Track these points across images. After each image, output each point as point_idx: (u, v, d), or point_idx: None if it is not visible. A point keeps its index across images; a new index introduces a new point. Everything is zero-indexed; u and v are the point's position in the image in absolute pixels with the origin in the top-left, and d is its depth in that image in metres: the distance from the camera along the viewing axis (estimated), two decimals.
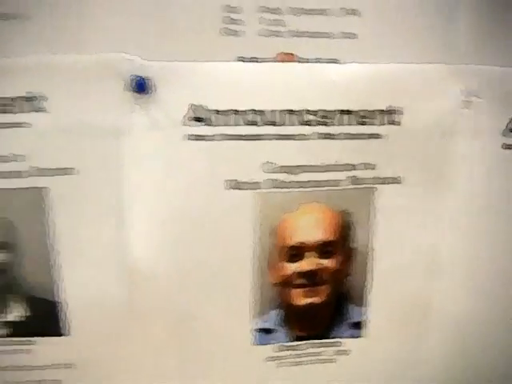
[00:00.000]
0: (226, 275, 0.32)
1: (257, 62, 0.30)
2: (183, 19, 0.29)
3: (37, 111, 0.30)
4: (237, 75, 0.30)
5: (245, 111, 0.30)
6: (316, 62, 0.30)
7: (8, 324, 0.33)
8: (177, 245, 0.32)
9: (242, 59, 0.30)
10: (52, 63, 0.29)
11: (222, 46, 0.30)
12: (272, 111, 0.30)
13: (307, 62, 0.30)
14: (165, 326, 0.33)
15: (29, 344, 0.34)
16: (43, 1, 0.29)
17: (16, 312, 0.33)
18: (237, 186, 0.31)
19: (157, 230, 0.31)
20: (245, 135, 0.30)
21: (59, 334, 0.33)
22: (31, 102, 0.30)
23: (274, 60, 0.30)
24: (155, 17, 0.29)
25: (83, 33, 0.29)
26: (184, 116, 0.30)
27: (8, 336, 0.34)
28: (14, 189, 0.31)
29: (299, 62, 0.30)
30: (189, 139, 0.30)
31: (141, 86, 0.30)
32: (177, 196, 0.31)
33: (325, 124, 0.30)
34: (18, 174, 0.31)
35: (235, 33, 0.30)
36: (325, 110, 0.30)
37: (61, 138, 0.30)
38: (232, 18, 0.29)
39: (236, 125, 0.30)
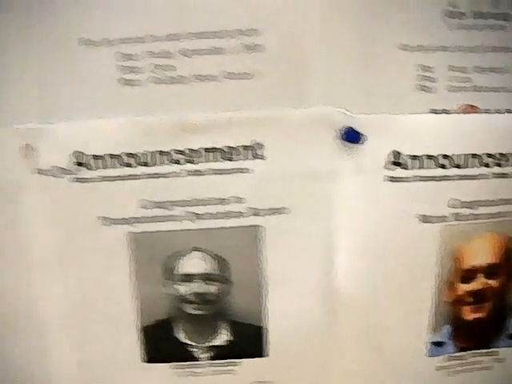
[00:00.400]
0: (411, 294, 0.37)
1: (446, 113, 0.35)
2: (384, 76, 0.34)
3: (256, 158, 0.34)
4: (430, 125, 0.35)
5: (436, 156, 0.35)
6: (495, 113, 0.35)
7: (215, 347, 0.37)
8: (373, 270, 0.36)
9: (434, 111, 0.35)
10: (272, 116, 0.34)
11: (416, 100, 0.35)
12: (458, 155, 0.35)
13: (487, 113, 0.35)
14: (356, 342, 0.37)
15: (232, 365, 0.38)
16: (271, 60, 0.33)
17: (223, 336, 0.37)
18: (426, 219, 0.36)
19: (357, 260, 0.36)
20: (435, 176, 0.35)
21: (259, 356, 0.37)
22: (252, 150, 0.34)
23: (460, 111, 0.35)
24: (362, 75, 0.34)
25: (303, 88, 0.34)
26: (385, 161, 0.35)
27: (214, 358, 0.37)
28: (232, 227, 0.35)
29: (481, 112, 0.35)
30: (388, 181, 0.35)
31: (351, 136, 0.34)
32: (375, 230, 0.36)
33: (500, 165, 0.35)
34: (237, 215, 0.35)
35: (428, 89, 0.34)
36: (501, 154, 0.35)
37: (276, 182, 0.35)
38: (425, 76, 0.34)
39: (428, 168, 0.35)
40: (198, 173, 0.34)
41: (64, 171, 0.34)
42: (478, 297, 0.38)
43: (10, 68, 0.33)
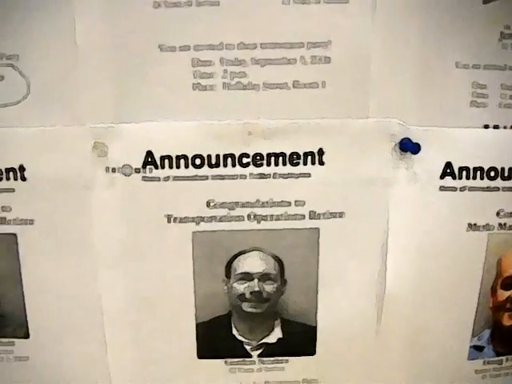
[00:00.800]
0: (457, 299, 0.39)
1: (497, 128, 0.37)
2: (441, 92, 0.36)
3: (317, 164, 0.36)
4: (481, 139, 0.37)
5: (485, 168, 0.37)
6: None
7: (267, 345, 0.39)
8: (422, 274, 0.38)
9: (486, 126, 0.37)
10: (334, 124, 0.36)
11: (470, 115, 0.36)
12: (509, 168, 0.37)
13: None
14: (401, 343, 0.39)
15: (283, 362, 0.39)
16: (337, 71, 0.35)
17: (275, 334, 0.38)
18: (474, 228, 0.38)
19: (407, 264, 0.38)
20: (485, 187, 0.37)
21: (308, 354, 0.39)
22: (314, 156, 0.36)
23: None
24: (420, 90, 0.36)
25: (364, 99, 0.35)
26: (438, 171, 0.37)
27: (265, 355, 0.39)
28: (291, 229, 0.37)
29: None
30: (439, 190, 0.37)
31: (409, 147, 0.36)
32: (426, 237, 0.37)
33: None
34: (296, 217, 0.36)
35: (481, 105, 0.36)
36: None
37: (334, 187, 0.36)
38: (479, 93, 0.36)
39: (479, 179, 0.37)
40: (262, 176, 0.36)
41: (135, 170, 0.35)
42: None
43: (87, 68, 0.34)
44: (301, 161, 0.36)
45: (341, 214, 0.37)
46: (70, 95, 0.35)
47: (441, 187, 0.37)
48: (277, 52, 0.34)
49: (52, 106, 0.35)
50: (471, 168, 0.37)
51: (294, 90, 0.35)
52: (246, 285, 0.37)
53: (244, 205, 0.36)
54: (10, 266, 0.36)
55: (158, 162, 0.35)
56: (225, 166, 0.35)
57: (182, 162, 0.35)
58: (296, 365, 0.39)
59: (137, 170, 0.35)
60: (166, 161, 0.35)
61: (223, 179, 0.36)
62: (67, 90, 0.35)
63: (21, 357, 0.39)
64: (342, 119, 0.35)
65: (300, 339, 0.39)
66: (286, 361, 0.39)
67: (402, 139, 0.36)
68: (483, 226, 0.38)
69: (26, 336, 0.38)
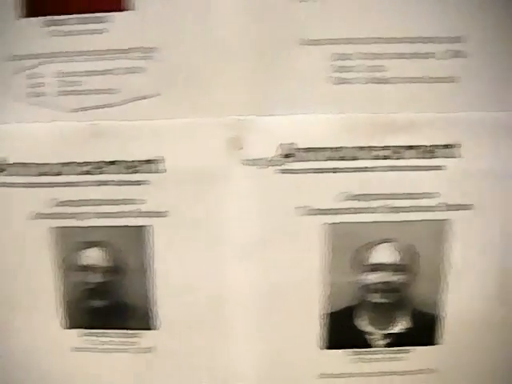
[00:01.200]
0: None
1: None
2: None
3: (451, 157, 0.36)
4: None
5: None
6: None
7: (392, 335, 0.39)
8: None
9: None
10: (470, 118, 0.36)
11: None
12: None
13: None
14: None
15: (404, 352, 0.39)
16: (472, 65, 0.35)
17: (401, 325, 0.39)
18: None
19: None
20: None
21: (432, 343, 0.39)
22: (448, 149, 0.36)
23: None
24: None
25: (499, 93, 0.35)
26: None
27: (389, 345, 0.39)
28: (423, 220, 0.37)
29: None
30: None
31: None
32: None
33: None
34: (428, 209, 0.37)
35: None
36: None
37: (467, 179, 0.36)
38: None
39: None
40: (396, 168, 0.36)
41: (269, 162, 0.36)
42: None
43: (225, 60, 0.34)
44: (434, 153, 0.36)
45: (472, 206, 0.37)
46: (207, 87, 0.35)
47: None
48: (412, 46, 0.35)
49: (190, 97, 0.35)
50: None
51: (428, 84, 0.35)
52: (376, 275, 0.38)
53: (377, 197, 0.36)
54: (144, 257, 0.37)
55: (294, 155, 0.36)
56: (359, 158, 0.36)
57: (317, 154, 0.36)
58: (419, 355, 0.39)
59: (272, 163, 0.36)
60: (301, 153, 0.36)
61: (357, 171, 0.36)
62: (205, 82, 0.35)
63: (147, 348, 0.39)
64: (477, 112, 0.36)
65: (426, 329, 0.39)
66: (410, 351, 0.39)
67: None
68: None
69: (154, 327, 0.39)
